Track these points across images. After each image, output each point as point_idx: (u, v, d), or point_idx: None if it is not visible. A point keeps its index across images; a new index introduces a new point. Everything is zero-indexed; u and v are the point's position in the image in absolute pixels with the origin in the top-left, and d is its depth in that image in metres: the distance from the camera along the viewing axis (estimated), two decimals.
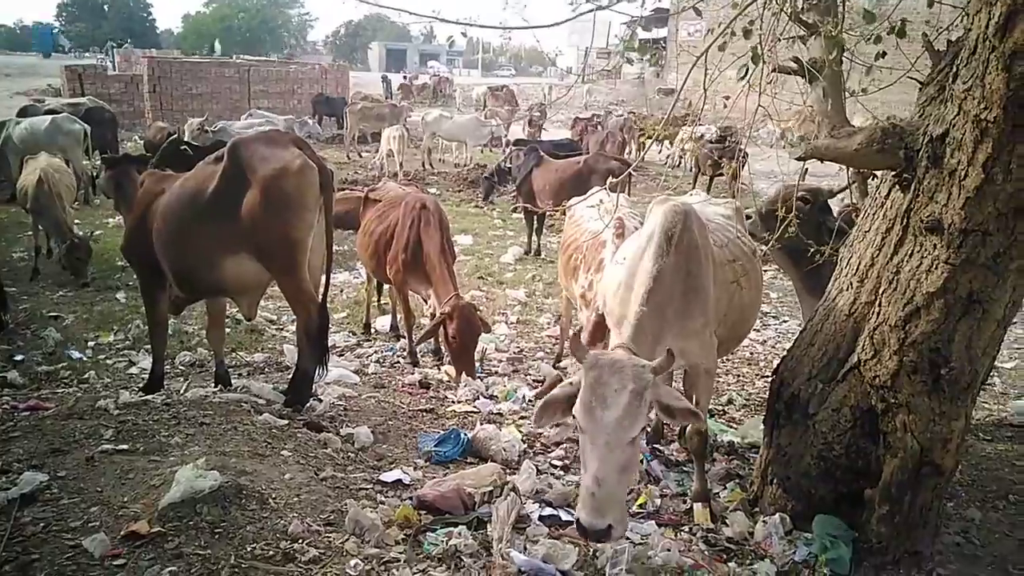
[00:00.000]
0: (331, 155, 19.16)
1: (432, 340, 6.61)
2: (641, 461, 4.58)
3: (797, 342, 3.98)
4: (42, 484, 3.24)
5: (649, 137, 5.70)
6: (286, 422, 4.34)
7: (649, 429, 4.99)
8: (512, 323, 8.13)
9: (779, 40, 3.17)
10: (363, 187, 14.32)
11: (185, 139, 12.93)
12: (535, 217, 11.67)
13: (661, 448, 4.92)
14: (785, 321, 8.39)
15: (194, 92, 25.43)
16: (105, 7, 76.09)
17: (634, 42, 2.74)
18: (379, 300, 8.03)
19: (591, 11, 3.13)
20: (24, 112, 15.14)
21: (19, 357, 6.43)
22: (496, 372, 6.47)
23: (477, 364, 6.49)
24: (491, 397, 5.78)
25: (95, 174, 14.30)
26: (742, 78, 2.92)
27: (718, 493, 4.19)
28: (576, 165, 12.01)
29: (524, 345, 7.47)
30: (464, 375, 5.91)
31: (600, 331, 4.77)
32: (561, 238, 6.47)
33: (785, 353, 4.12)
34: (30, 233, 10.83)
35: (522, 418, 5.34)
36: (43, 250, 9.03)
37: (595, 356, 2.88)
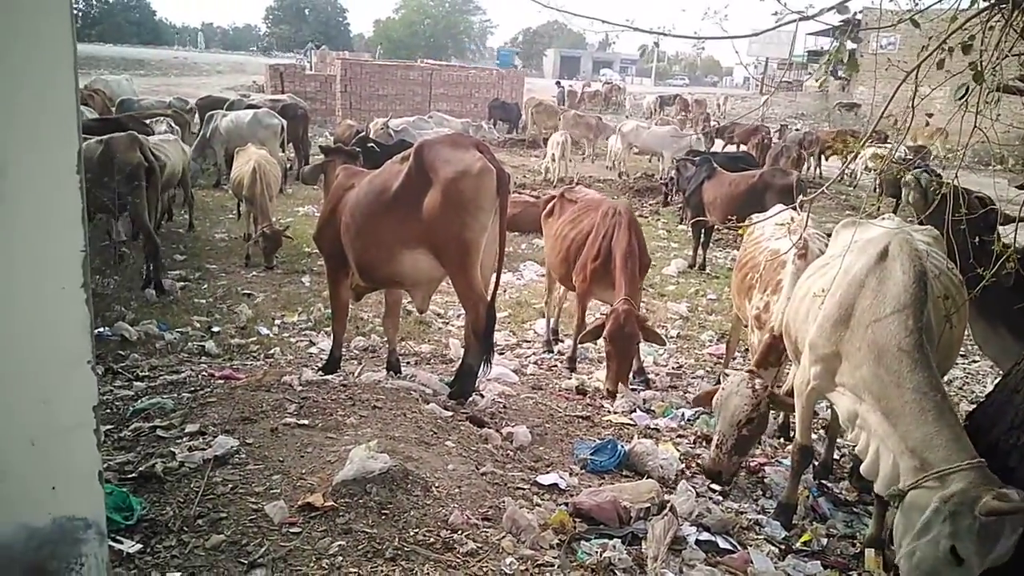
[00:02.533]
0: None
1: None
2: (807, 496, 4.36)
3: (999, 387, 3.62)
4: (232, 449, 3.54)
5: (838, 153, 5.39)
6: (450, 414, 4.50)
7: (817, 461, 4.74)
8: (672, 337, 7.97)
9: (1005, 57, 2.90)
10: (530, 191, 14.73)
11: (371, 137, 13.70)
12: (703, 230, 11.36)
13: (829, 484, 4.64)
14: (975, 361, 7.66)
15: (380, 93, 26.94)
16: (306, 11, 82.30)
17: (843, 54, 2.59)
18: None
19: (794, 21, 3.01)
20: (231, 106, 16.69)
21: (216, 329, 7.08)
22: (654, 386, 6.37)
23: (634, 376, 6.43)
24: (648, 411, 5.71)
25: (288, 166, 15.55)
26: (961, 98, 2.68)
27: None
28: (751, 179, 11.58)
29: (684, 361, 7.31)
30: (614, 383, 5.76)
31: (772, 354, 4.58)
32: (738, 255, 6.22)
33: (983, 399, 3.77)
34: (231, 216, 11.95)
35: (680, 436, 5.23)
36: (252, 236, 9.75)
37: None
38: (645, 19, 3.63)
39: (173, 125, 13.00)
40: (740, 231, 5.99)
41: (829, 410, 4.91)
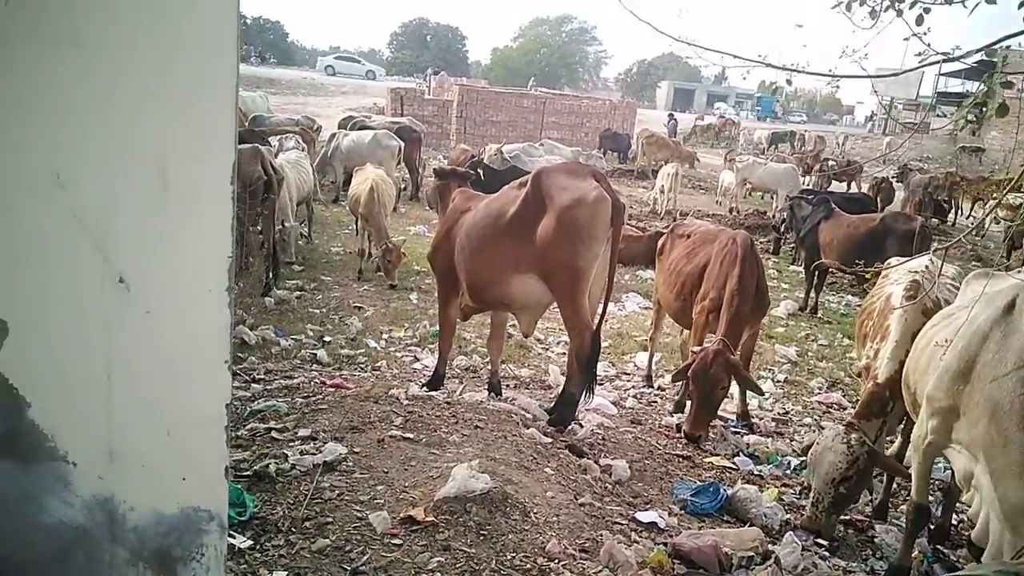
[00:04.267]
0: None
1: None
2: (921, 560, 4.10)
3: None
4: (341, 456, 3.65)
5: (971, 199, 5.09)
6: (550, 440, 4.49)
7: (932, 524, 4.45)
8: (779, 382, 7.70)
9: None
10: (636, 222, 14.64)
11: (484, 161, 13.97)
12: (817, 272, 10.96)
13: (946, 551, 4.35)
14: None
15: (494, 119, 27.46)
16: (428, 38, 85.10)
17: (993, 97, 2.45)
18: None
19: (938, 62, 2.89)
20: (345, 123, 17.43)
21: (328, 339, 7.34)
22: (759, 431, 6.16)
23: (737, 419, 6.23)
24: (752, 456, 5.52)
25: (402, 186, 16.06)
26: None
27: None
28: (871, 222, 11.12)
29: (791, 407, 7.04)
30: (692, 426, 5.41)
31: (875, 405, 4.33)
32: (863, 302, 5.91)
33: None
34: (347, 231, 12.41)
35: (785, 485, 5.03)
36: (366, 252, 10.08)
37: None
38: (769, 54, 3.57)
39: (301, 142, 13.67)
40: (868, 276, 5.69)
41: (948, 470, 4.62)
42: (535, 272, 4.83)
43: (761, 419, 6.50)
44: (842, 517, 4.44)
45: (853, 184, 22.83)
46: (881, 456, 4.16)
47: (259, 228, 9.09)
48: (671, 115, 39.45)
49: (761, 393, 6.20)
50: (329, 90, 45.41)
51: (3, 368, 1.95)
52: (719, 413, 6.10)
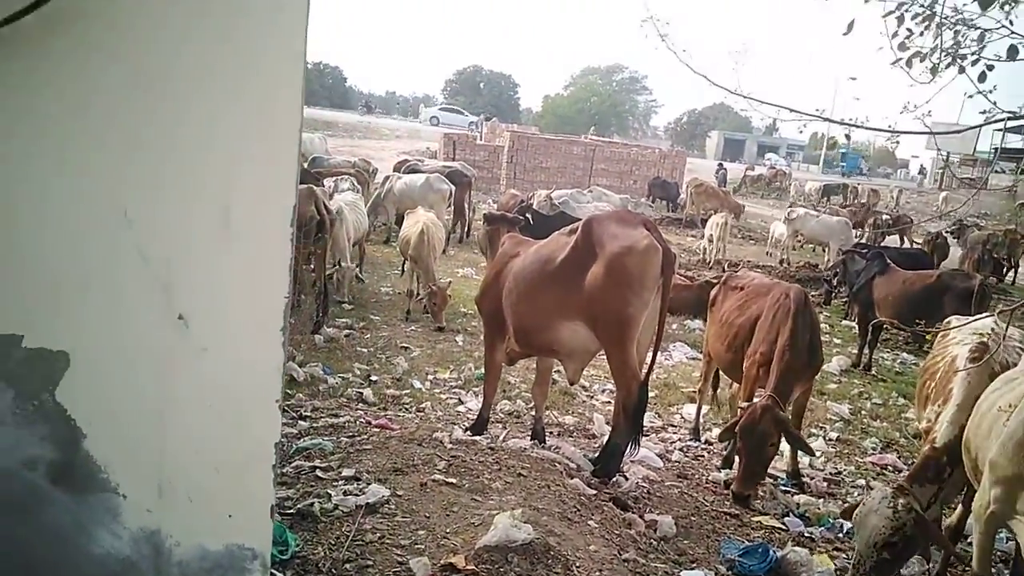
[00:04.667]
0: None
1: None
2: None
3: None
4: (383, 498, 3.64)
5: None
6: (594, 492, 4.41)
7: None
8: (831, 440, 7.47)
9: None
10: (685, 271, 14.53)
11: (534, 207, 14.06)
12: (870, 328, 10.68)
13: None
14: None
15: (544, 165, 27.74)
16: (481, 84, 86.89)
17: None
18: (715, 395, 7.48)
19: (1004, 120, 2.83)
20: (399, 166, 17.79)
21: (374, 378, 7.38)
22: (810, 491, 5.95)
23: (788, 477, 6.04)
24: (802, 517, 5.33)
25: (452, 229, 16.26)
26: None
27: None
28: (927, 279, 10.85)
29: (843, 467, 6.81)
30: (741, 485, 5.27)
31: (930, 471, 4.15)
32: (924, 362, 5.70)
33: None
34: (397, 272, 12.56)
35: (836, 549, 4.84)
36: (414, 293, 10.13)
37: None
38: (824, 107, 3.53)
39: (355, 184, 13.97)
40: (929, 336, 5.51)
41: (1011, 542, 4.40)
42: (583, 319, 4.81)
43: (812, 479, 6.29)
44: None
45: (905, 239, 22.35)
46: (930, 525, 3.97)
47: (311, 267, 9.29)
48: (720, 164, 39.40)
49: (812, 453, 5.99)
50: (383, 133, 46.51)
51: (62, 398, 2.00)
52: (769, 471, 5.95)
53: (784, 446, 5.76)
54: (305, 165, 17.20)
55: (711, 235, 17.67)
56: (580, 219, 5.62)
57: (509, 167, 27.45)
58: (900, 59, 3.07)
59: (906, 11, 2.86)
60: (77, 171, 1.91)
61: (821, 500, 5.80)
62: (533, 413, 5.93)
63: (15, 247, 1.89)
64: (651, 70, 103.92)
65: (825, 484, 6.26)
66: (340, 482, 3.83)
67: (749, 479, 5.25)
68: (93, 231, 1.94)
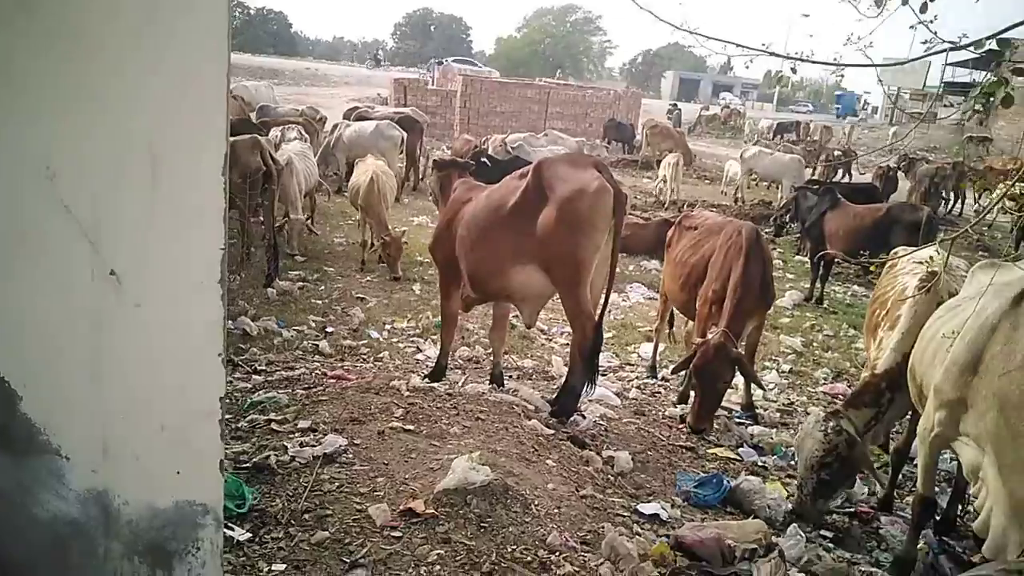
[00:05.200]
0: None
1: None
2: (927, 553, 4.07)
3: None
4: (341, 448, 3.64)
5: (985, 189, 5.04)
6: (552, 432, 4.47)
7: (938, 515, 4.43)
8: (784, 372, 7.67)
9: None
10: (641, 213, 14.59)
11: (489, 152, 13.91)
12: (822, 263, 10.90)
13: (952, 543, 4.32)
14: None
15: (498, 110, 27.34)
16: (432, 27, 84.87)
17: (999, 87, 2.40)
18: (671, 333, 7.65)
19: (944, 51, 2.83)
20: (349, 114, 17.38)
21: (330, 330, 7.32)
22: (763, 422, 6.12)
23: (742, 409, 6.20)
24: (756, 447, 5.49)
25: (404, 176, 16.03)
26: None
27: None
28: (877, 213, 11.06)
29: (796, 398, 7.01)
30: (696, 419, 5.39)
31: (868, 395, 4.32)
32: (873, 292, 5.85)
33: None
34: (350, 222, 12.37)
35: (789, 476, 5.00)
36: (368, 243, 10.08)
37: None
38: (774, 43, 3.51)
39: (303, 133, 13.61)
40: (873, 268, 5.63)
41: (955, 462, 4.59)
42: (536, 263, 4.80)
43: (766, 410, 6.48)
44: (835, 506, 4.45)
45: (849, 174, 22.68)
46: (859, 446, 4.16)
47: (260, 219, 9.10)
48: (675, 105, 39.26)
49: (762, 387, 6.15)
50: (333, 81, 45.33)
51: None
52: (723, 404, 6.10)
53: (738, 380, 5.89)
54: (252, 115, 16.74)
55: (664, 175, 17.73)
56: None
57: (463, 112, 27.02)
58: None
59: None
60: None
61: (774, 430, 5.98)
62: (492, 358, 5.95)
63: None
64: (605, 10, 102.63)
65: (778, 415, 6.45)
66: (296, 434, 3.82)
67: (704, 414, 5.38)
68: (14, 188, 1.86)
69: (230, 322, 6.84)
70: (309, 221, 11.27)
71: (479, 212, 5.13)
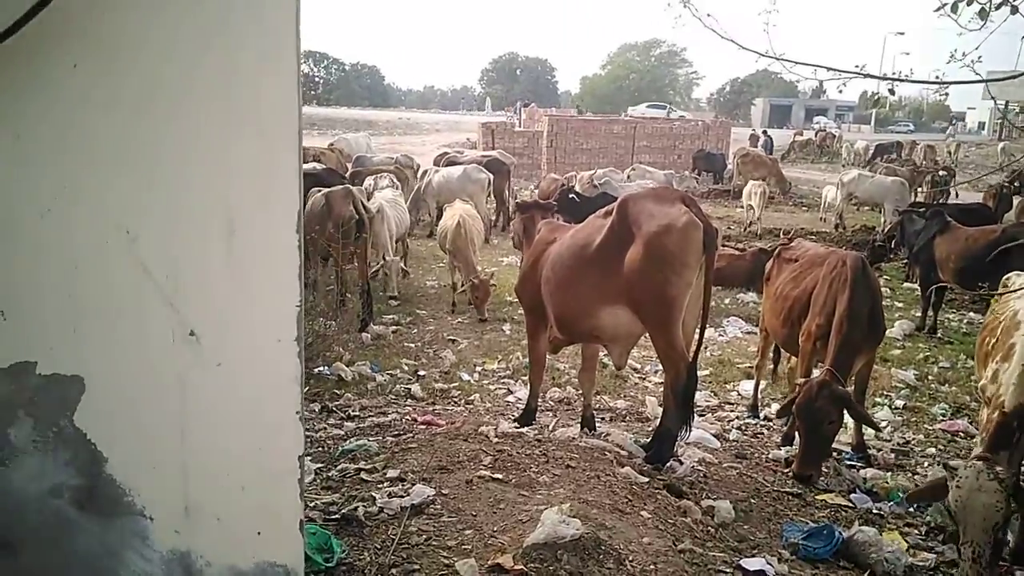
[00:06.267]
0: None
1: None
2: None
3: None
4: (429, 498, 3.57)
5: None
6: (647, 480, 4.28)
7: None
8: (897, 409, 7.16)
9: None
10: (735, 244, 14.18)
11: (575, 190, 13.89)
12: (934, 289, 10.24)
13: None
14: None
15: (585, 147, 27.44)
16: (517, 71, 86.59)
17: None
18: (775, 371, 7.34)
19: None
20: (439, 159, 17.79)
21: (422, 373, 7.36)
22: (877, 464, 5.71)
23: (852, 450, 5.81)
24: (870, 492, 5.10)
25: (493, 217, 16.19)
26: None
27: None
28: (991, 234, 10.33)
29: (911, 436, 6.52)
30: (801, 466, 5.02)
31: (1003, 435, 3.90)
32: (984, 318, 5.40)
33: None
34: (441, 265, 12.54)
35: (908, 525, 4.62)
36: (457, 286, 10.16)
37: None
38: (868, 64, 3.32)
39: (395, 180, 13.99)
40: (995, 300, 5.17)
41: None
42: (624, 303, 4.66)
43: (879, 451, 6.03)
44: None
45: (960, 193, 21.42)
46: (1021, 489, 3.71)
47: (354, 265, 9.32)
48: (764, 132, 38.07)
49: (877, 427, 5.73)
50: (424, 128, 46.70)
51: (81, 423, 1.96)
52: (834, 445, 5.74)
53: (848, 419, 5.54)
54: (349, 165, 17.37)
55: (749, 204, 17.34)
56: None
57: (549, 151, 27.24)
58: (945, 4, 2.84)
59: None
60: (74, 192, 1.86)
61: (889, 473, 5.55)
62: (582, 400, 5.81)
63: (20, 274, 1.86)
64: (690, 42, 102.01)
65: (893, 456, 5.99)
66: (385, 484, 3.79)
67: (809, 459, 5.03)
68: (96, 252, 1.90)
69: (326, 368, 6.98)
70: (402, 263, 11.47)
71: (564, 252, 5.05)
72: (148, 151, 1.88)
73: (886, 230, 14.09)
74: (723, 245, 12.69)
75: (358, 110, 55.97)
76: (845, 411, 5.06)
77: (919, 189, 21.13)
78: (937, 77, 2.89)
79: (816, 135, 42.36)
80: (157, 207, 1.91)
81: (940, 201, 18.47)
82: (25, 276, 1.86)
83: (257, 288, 1.99)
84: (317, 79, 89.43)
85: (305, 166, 13.75)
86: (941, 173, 22.92)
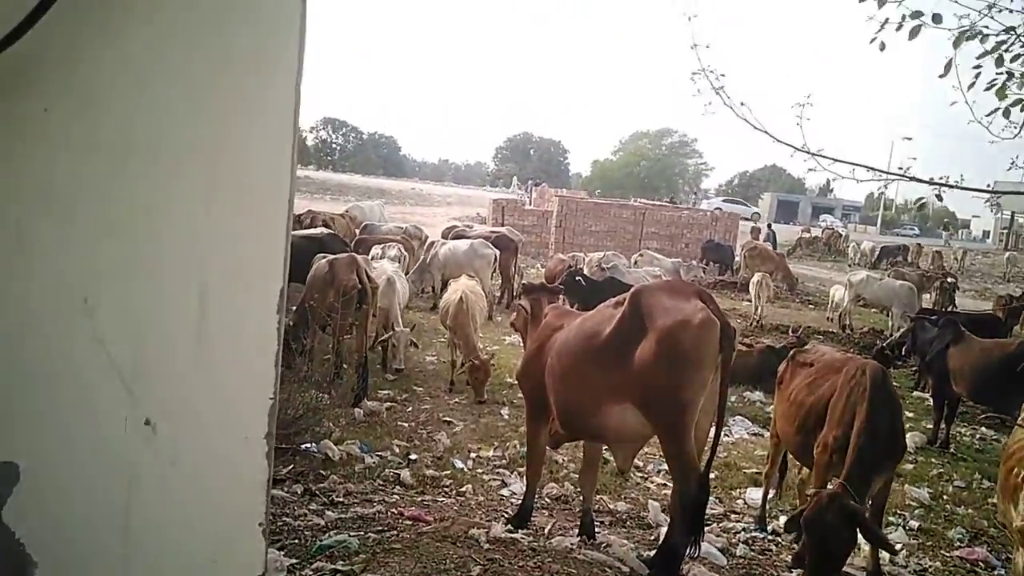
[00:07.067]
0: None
1: None
2: None
3: None
4: None
5: None
6: None
7: None
8: (912, 530, 6.74)
9: None
10: (741, 337, 13.92)
11: (583, 272, 13.74)
12: (946, 401, 9.91)
13: None
14: None
15: (593, 229, 27.49)
16: (531, 151, 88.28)
17: None
18: (782, 480, 6.85)
19: None
20: (447, 232, 17.75)
21: (413, 457, 6.98)
22: None
23: (861, 574, 5.40)
24: None
25: (499, 294, 16.00)
26: None
27: None
28: (1007, 348, 10.05)
29: (928, 563, 6.09)
30: None
31: None
32: (1007, 441, 5.08)
33: None
34: (442, 340, 12.25)
35: None
36: (457, 363, 9.85)
37: None
38: (908, 166, 3.13)
39: (403, 251, 13.87)
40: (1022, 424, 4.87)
41: None
42: (633, 402, 4.36)
43: None
44: None
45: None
46: None
47: (353, 336, 9.04)
48: (769, 225, 38.05)
49: (893, 551, 5.32)
50: (435, 200, 47.20)
51: (9, 520, 1.66)
52: (845, 569, 5.32)
53: (862, 542, 5.15)
54: (357, 231, 17.31)
55: (757, 293, 17.28)
56: (629, 285, 5.23)
57: (558, 231, 27.29)
58: (997, 110, 2.66)
59: (1005, 51, 2.45)
60: (29, 249, 1.61)
61: None
62: (581, 503, 5.43)
63: None
64: (701, 133, 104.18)
65: None
66: None
67: None
68: (47, 320, 1.64)
69: (314, 445, 6.62)
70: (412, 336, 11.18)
71: (571, 341, 4.78)
72: (119, 211, 1.65)
73: (896, 335, 13.83)
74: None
75: (372, 178, 56.72)
76: (858, 531, 4.69)
77: (926, 295, 20.97)
78: (989, 185, 2.69)
79: (823, 232, 42.60)
80: (123, 276, 1.66)
81: (950, 309, 18.30)
82: None
83: (227, 375, 1.72)
84: (334, 145, 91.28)
85: (310, 231, 13.86)
86: (949, 280, 22.82)
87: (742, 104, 3.72)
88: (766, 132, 3.45)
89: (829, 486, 4.96)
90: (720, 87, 3.88)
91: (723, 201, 56.00)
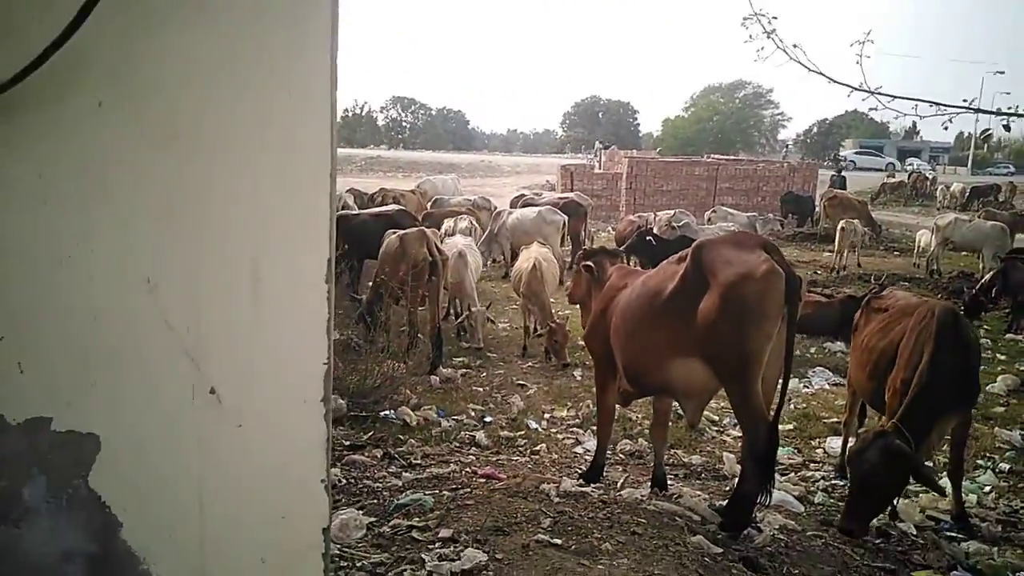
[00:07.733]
0: (791, 253, 18.35)
1: None
2: None
3: None
4: (480, 563, 3.34)
5: None
6: (720, 551, 3.92)
7: None
8: (1002, 472, 6.51)
9: None
10: (822, 289, 13.53)
11: (653, 231, 13.60)
12: None
13: None
14: None
15: (664, 189, 27.05)
16: (600, 114, 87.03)
17: None
18: (860, 427, 6.69)
19: None
20: (516, 201, 17.81)
21: (488, 419, 7.15)
22: (980, 536, 5.15)
23: (953, 520, 5.27)
24: (973, 570, 4.59)
25: (569, 260, 16.02)
26: None
27: None
28: None
29: (1019, 505, 5.88)
30: (846, 519, 4.66)
31: None
32: None
33: None
34: (514, 307, 12.39)
35: None
36: (531, 329, 10.00)
37: None
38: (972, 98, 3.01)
39: (474, 223, 14.03)
40: None
41: None
42: (698, 356, 4.35)
43: (984, 521, 5.46)
44: None
45: None
46: None
47: (426, 307, 9.28)
48: (839, 171, 36.06)
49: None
50: (504, 171, 47.22)
51: (96, 485, 1.84)
52: (931, 514, 5.23)
53: (946, 482, 5.06)
54: (428, 205, 17.57)
55: (837, 242, 16.76)
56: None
57: (628, 193, 26.97)
58: None
59: None
60: (96, 237, 1.76)
61: (995, 548, 5.00)
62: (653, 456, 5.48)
63: (37, 325, 1.76)
64: (777, 83, 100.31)
65: (999, 527, 5.41)
66: (436, 544, 3.57)
67: (853, 512, 4.64)
68: (116, 302, 1.79)
69: (392, 412, 6.86)
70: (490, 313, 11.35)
71: (634, 300, 4.79)
72: (173, 196, 1.77)
73: (987, 277, 13.20)
74: (809, 291, 12.10)
75: (443, 153, 57.13)
76: (906, 472, 4.60)
77: (1021, 235, 19.85)
78: None
79: (909, 177, 40.62)
80: (180, 255, 1.79)
81: None
82: (43, 327, 1.76)
83: (283, 344, 1.84)
84: (404, 124, 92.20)
85: (380, 208, 14.14)
86: None
87: (795, 46, 3.63)
88: (821, 73, 3.37)
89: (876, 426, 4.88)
90: (772, 30, 3.80)
91: (855, 153, 52.83)
